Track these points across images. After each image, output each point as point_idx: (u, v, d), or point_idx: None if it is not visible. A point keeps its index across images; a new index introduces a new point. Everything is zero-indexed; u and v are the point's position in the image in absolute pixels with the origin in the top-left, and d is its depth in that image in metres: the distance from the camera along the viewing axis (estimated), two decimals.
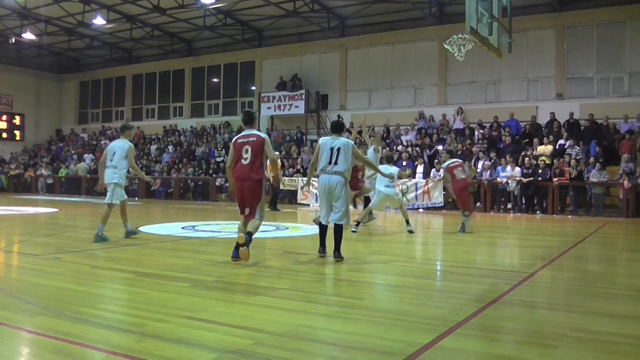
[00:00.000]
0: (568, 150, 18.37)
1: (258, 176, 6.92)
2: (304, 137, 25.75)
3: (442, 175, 12.12)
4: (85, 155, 30.06)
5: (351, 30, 26.25)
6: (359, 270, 6.94)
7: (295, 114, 26.12)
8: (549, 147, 18.72)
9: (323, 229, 7.50)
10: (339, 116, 24.06)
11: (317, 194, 8.04)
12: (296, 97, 26.11)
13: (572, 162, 17.51)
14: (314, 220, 11.83)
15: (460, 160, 11.95)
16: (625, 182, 16.23)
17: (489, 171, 18.47)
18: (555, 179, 17.23)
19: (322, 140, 7.56)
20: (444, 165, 11.63)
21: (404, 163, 19.84)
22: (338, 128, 7.69)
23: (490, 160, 19.03)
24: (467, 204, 11.45)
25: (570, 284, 6.26)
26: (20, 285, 5.68)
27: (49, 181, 29.23)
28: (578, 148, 18.56)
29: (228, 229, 11.36)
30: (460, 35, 14.10)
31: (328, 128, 25.40)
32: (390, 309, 4.79)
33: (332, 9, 25.15)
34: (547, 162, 17.96)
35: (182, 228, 11.50)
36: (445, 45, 15.42)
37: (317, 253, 7.50)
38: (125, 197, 9.33)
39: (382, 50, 25.47)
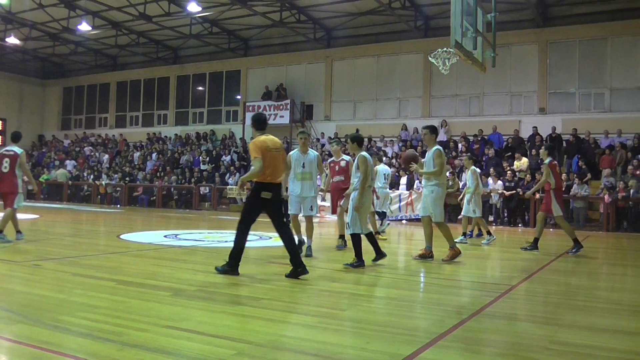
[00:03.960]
0: None
1: None
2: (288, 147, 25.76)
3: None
4: (67, 162, 29.77)
5: (337, 41, 26.39)
6: (341, 280, 6.93)
7: (280, 123, 26.13)
8: (525, 161, 18.95)
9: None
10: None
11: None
12: (281, 107, 26.14)
13: (563, 176, 17.64)
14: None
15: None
16: (606, 197, 16.43)
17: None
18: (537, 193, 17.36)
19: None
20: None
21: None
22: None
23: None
24: None
25: (550, 296, 6.31)
26: None
27: (30, 187, 28.81)
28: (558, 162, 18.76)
29: (210, 238, 11.31)
30: (445, 49, 14.23)
31: (315, 138, 25.51)
32: (372, 320, 4.79)
33: (318, 20, 25.29)
34: (527, 176, 18.11)
35: (165, 236, 11.42)
36: (430, 59, 15.54)
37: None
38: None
39: (368, 62, 25.62)
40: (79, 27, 25.28)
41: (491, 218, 18.34)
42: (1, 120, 33.65)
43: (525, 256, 10.19)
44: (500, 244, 13.37)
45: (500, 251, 11.68)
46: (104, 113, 33.64)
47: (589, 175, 17.75)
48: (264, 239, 11.74)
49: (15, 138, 10.22)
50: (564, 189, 17.17)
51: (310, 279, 6.64)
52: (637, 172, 16.75)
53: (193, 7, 22.66)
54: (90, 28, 25.62)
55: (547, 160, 10.50)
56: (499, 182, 18.10)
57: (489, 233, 11.96)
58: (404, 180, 19.72)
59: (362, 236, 7.76)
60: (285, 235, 6.81)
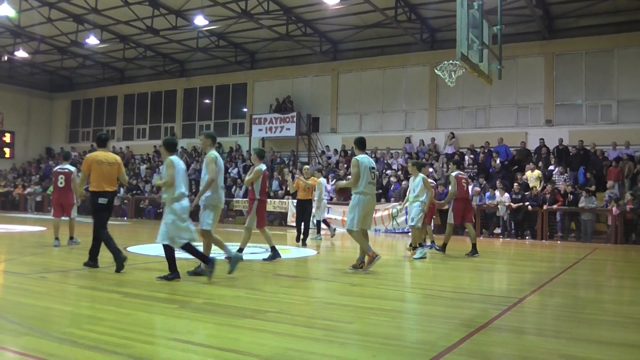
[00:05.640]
0: (556, 177, 18.51)
1: None
2: (295, 159, 25.81)
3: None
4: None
5: (343, 54, 26.48)
6: (347, 293, 6.91)
7: (286, 136, 26.20)
8: (537, 173, 18.87)
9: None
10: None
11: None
12: (287, 120, 26.21)
13: (568, 188, 17.56)
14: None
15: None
16: (614, 209, 16.35)
17: (479, 196, 18.51)
18: (545, 205, 17.33)
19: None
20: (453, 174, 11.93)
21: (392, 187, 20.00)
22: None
23: (480, 186, 19.11)
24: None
25: (559, 310, 6.26)
26: (6, 304, 5.61)
27: (38, 199, 29.01)
28: (566, 174, 18.71)
29: (217, 250, 11.28)
30: (451, 61, 14.25)
31: (320, 150, 25.54)
32: (379, 333, 4.76)
33: (325, 33, 25.40)
34: (538, 188, 18.06)
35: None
36: (436, 71, 15.57)
37: (303, 276, 7.56)
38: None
39: (374, 75, 25.69)
40: (87, 40, 25.53)
41: (498, 230, 18.27)
42: (9, 133, 33.95)
43: (534, 269, 10.14)
44: (508, 256, 13.33)
45: (508, 264, 11.63)
46: (112, 126, 33.80)
47: (593, 187, 17.61)
48: (269, 251, 11.71)
49: (67, 157, 12.22)
50: (569, 200, 17.20)
51: (317, 291, 6.62)
52: None
53: (200, 21, 22.82)
54: (98, 42, 25.86)
55: (454, 173, 11.63)
56: (506, 194, 18.04)
57: (420, 245, 11.09)
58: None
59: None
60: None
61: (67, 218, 11.47)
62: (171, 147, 7.39)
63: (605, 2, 20.20)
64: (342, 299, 6.48)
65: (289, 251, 12.04)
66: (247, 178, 9.60)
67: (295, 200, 14.52)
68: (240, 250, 9.34)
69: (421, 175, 11.30)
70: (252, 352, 3.99)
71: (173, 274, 7.09)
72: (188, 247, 7.13)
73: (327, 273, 8.65)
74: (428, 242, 12.63)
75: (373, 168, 8.63)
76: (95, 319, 5.02)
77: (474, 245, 11.59)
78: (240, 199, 23.00)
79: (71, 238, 11.56)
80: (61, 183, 11.33)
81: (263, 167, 9.48)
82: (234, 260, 7.60)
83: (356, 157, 8.54)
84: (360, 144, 8.84)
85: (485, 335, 4.78)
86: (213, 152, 7.68)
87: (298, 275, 8.12)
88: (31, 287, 6.53)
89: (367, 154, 8.94)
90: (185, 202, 7.15)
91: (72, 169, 11.57)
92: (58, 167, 11.81)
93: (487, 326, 5.06)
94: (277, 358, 3.88)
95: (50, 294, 6.14)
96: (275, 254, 9.71)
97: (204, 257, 7.26)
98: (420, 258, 10.70)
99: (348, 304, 6.22)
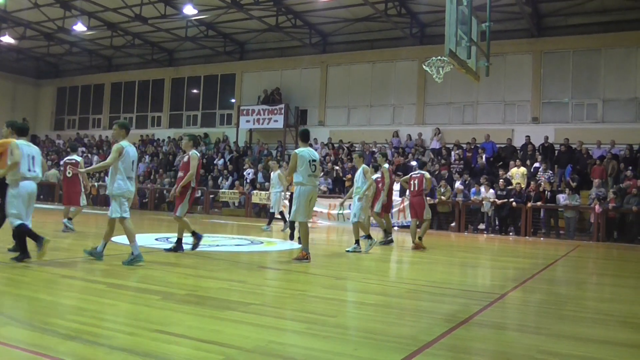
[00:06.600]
0: (541, 174, 18.65)
1: None
2: (282, 151, 25.79)
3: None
4: (61, 162, 29.66)
5: (332, 47, 26.46)
6: (330, 287, 6.95)
7: (274, 128, 26.17)
8: (523, 170, 19.01)
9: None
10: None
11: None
12: (275, 112, 26.17)
13: (547, 185, 17.72)
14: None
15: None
16: (597, 207, 16.52)
17: (461, 194, 18.59)
18: (530, 202, 17.47)
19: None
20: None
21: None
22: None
23: (465, 182, 19.22)
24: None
25: (540, 306, 6.35)
26: None
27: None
28: (551, 172, 18.87)
29: (202, 241, 11.27)
30: (438, 58, 14.30)
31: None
32: (361, 327, 4.81)
33: (314, 25, 25.35)
34: (522, 185, 18.21)
35: (156, 239, 11.39)
36: (424, 67, 15.62)
37: (290, 268, 7.60)
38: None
39: (363, 68, 25.70)
40: (75, 27, 25.27)
41: (482, 226, 18.41)
42: None
43: (517, 265, 10.24)
44: (492, 252, 13.45)
45: (491, 259, 11.74)
46: (98, 114, 33.56)
47: (574, 184, 17.75)
48: (255, 243, 11.75)
49: (74, 148, 13.07)
50: (547, 197, 17.36)
51: (301, 284, 6.65)
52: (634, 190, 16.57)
53: (189, 10, 22.68)
54: (85, 29, 25.61)
55: (386, 166, 12.08)
56: (491, 190, 18.16)
57: (357, 242, 10.67)
58: (396, 186, 19.71)
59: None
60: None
61: (74, 208, 12.32)
62: (21, 132, 7.71)
63: (593, 1, 20.35)
64: (326, 292, 6.51)
65: (275, 243, 12.07)
66: (192, 165, 9.21)
67: (287, 193, 14.19)
68: (179, 240, 9.19)
69: (363, 166, 11.11)
70: (234, 344, 4.01)
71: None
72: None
73: (312, 266, 8.68)
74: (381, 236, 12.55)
75: (314, 160, 8.80)
76: (78, 309, 5.01)
77: (385, 232, 12.49)
78: (227, 190, 22.97)
79: (69, 219, 12.13)
80: (69, 173, 12.11)
81: (197, 153, 9.46)
82: (136, 259, 7.60)
83: (296, 150, 8.79)
84: (303, 136, 9.14)
85: (466, 330, 4.83)
86: (123, 142, 7.81)
87: (282, 268, 8.14)
88: (14, 277, 6.50)
89: (310, 146, 9.12)
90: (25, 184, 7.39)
91: (79, 159, 12.50)
92: (67, 158, 12.59)
93: (468, 321, 5.12)
94: (259, 351, 3.90)
95: (33, 283, 6.12)
96: (179, 247, 9.29)
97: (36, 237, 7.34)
98: (353, 252, 10.41)
99: (332, 297, 6.26)
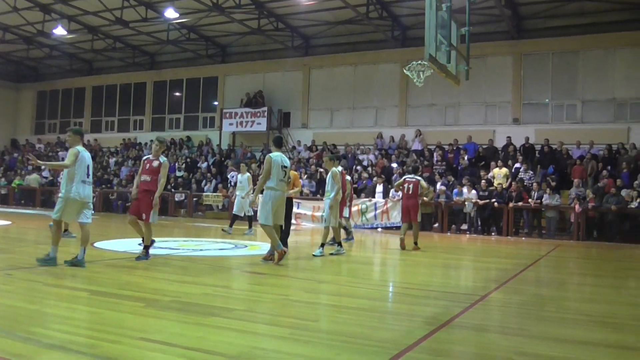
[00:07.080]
0: (522, 175, 18.86)
1: None
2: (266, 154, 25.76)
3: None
4: (42, 167, 29.38)
5: (315, 49, 26.52)
6: (314, 291, 7.00)
7: (257, 130, 26.18)
8: (505, 170, 19.20)
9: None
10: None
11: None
12: (258, 114, 26.18)
13: (534, 185, 17.91)
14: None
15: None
16: (577, 207, 16.75)
17: (444, 195, 18.74)
18: (511, 202, 17.66)
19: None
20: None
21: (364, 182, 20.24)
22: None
23: (447, 183, 19.39)
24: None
25: (520, 307, 6.43)
26: None
27: (3, 192, 28.46)
28: (531, 172, 19.10)
29: (185, 246, 11.28)
30: (419, 62, 14.43)
31: (290, 145, 25.59)
32: (343, 331, 4.86)
33: (297, 28, 25.40)
34: (504, 185, 18.42)
35: (139, 244, 11.32)
36: (405, 71, 15.73)
37: (271, 273, 7.82)
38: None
39: (345, 71, 25.80)
40: (55, 31, 25.06)
41: (465, 227, 18.57)
42: None
43: (499, 265, 10.36)
44: (474, 252, 13.58)
45: (473, 260, 11.86)
46: (79, 118, 33.24)
47: (553, 184, 17.97)
48: (239, 247, 11.76)
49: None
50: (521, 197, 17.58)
51: (284, 289, 6.69)
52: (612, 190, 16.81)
53: (170, 14, 22.63)
54: (65, 32, 25.41)
55: (339, 169, 11.24)
56: (473, 191, 18.34)
57: (339, 244, 10.79)
58: (379, 188, 19.86)
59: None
60: None
61: None
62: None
63: (572, 3, 20.64)
64: (308, 297, 6.56)
65: (258, 247, 12.08)
66: (162, 173, 9.64)
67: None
68: (147, 247, 8.99)
69: (332, 170, 10.77)
70: (218, 350, 4.05)
71: None
72: None
73: (295, 270, 8.73)
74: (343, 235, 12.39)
75: (285, 166, 9.03)
76: (62, 317, 5.01)
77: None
78: (210, 193, 22.93)
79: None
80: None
81: (169, 162, 9.64)
82: (79, 263, 7.67)
83: (269, 155, 9.03)
84: (276, 142, 9.52)
85: (447, 332, 4.91)
86: (78, 147, 7.91)
87: (266, 272, 8.18)
88: None
89: (282, 152, 9.39)
90: None
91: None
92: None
93: (449, 323, 5.19)
94: (243, 357, 3.94)
95: (15, 291, 6.09)
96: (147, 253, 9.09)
97: None
98: (320, 255, 10.24)
99: (314, 301, 6.31)
